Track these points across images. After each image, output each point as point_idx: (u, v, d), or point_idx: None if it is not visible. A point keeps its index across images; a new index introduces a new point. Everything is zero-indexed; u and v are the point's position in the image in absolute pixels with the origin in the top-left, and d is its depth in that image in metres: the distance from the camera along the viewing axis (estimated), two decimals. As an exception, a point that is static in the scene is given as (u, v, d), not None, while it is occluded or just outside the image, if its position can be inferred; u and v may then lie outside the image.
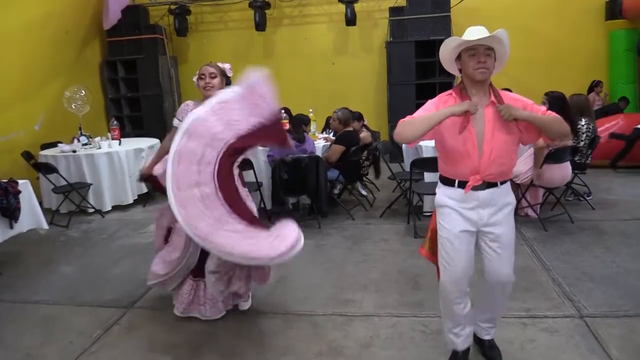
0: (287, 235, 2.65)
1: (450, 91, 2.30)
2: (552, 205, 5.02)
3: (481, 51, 2.15)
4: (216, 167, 2.60)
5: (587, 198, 5.30)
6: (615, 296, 3.17)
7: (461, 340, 2.45)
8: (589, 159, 5.18)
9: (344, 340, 2.84)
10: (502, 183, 2.27)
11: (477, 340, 2.59)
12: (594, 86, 7.86)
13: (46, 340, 2.98)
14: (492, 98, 2.21)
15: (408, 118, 2.23)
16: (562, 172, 4.54)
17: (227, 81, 3.11)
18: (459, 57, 2.24)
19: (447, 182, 2.32)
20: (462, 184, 2.24)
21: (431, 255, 2.55)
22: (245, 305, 3.21)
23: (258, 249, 2.55)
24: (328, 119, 6.76)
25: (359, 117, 5.90)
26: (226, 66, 3.12)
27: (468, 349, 2.49)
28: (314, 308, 3.23)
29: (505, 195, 2.31)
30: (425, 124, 2.15)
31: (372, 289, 3.49)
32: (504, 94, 2.25)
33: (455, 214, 2.29)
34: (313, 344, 2.82)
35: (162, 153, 3.14)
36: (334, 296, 3.39)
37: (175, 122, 3.10)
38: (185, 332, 3.00)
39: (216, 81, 3.02)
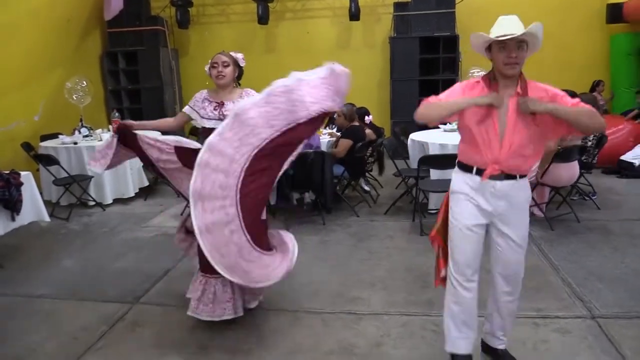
0: (287, 253, 2.75)
1: (479, 78, 2.26)
2: (557, 204, 4.99)
3: (512, 45, 2.09)
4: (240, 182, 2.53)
5: (593, 198, 5.28)
6: (626, 297, 3.15)
7: (462, 342, 2.36)
8: (595, 158, 5.16)
9: (354, 338, 2.80)
10: (521, 177, 2.22)
11: (490, 349, 2.53)
12: (595, 86, 7.84)
13: (50, 336, 2.93)
14: (519, 89, 2.14)
15: (433, 99, 2.22)
16: (570, 171, 4.52)
17: (239, 71, 3.06)
18: (489, 48, 2.18)
19: (465, 168, 2.28)
20: (480, 172, 2.20)
21: (442, 241, 2.48)
22: (253, 303, 3.16)
23: (267, 276, 2.63)
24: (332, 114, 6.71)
25: (365, 112, 5.84)
26: (239, 56, 3.06)
27: (469, 356, 2.38)
28: (322, 306, 3.19)
29: (523, 190, 2.26)
30: (448, 109, 2.17)
31: (379, 286, 3.45)
32: (533, 85, 2.18)
33: (468, 202, 2.26)
34: (322, 342, 2.78)
35: (158, 125, 3.20)
36: (341, 294, 3.35)
37: (187, 109, 3.06)
38: (192, 329, 2.95)
39: (228, 70, 2.96)
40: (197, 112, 3.01)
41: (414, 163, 5.15)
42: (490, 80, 2.21)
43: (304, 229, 4.70)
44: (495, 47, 2.13)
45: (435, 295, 3.25)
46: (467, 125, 2.21)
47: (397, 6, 8.23)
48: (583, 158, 4.91)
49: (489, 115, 2.14)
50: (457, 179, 2.32)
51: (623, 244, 4.07)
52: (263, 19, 8.50)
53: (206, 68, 3.03)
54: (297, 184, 4.78)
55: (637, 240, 4.15)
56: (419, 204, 4.77)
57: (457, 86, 2.29)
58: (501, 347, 2.49)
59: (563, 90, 2.21)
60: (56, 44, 7.11)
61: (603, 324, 2.83)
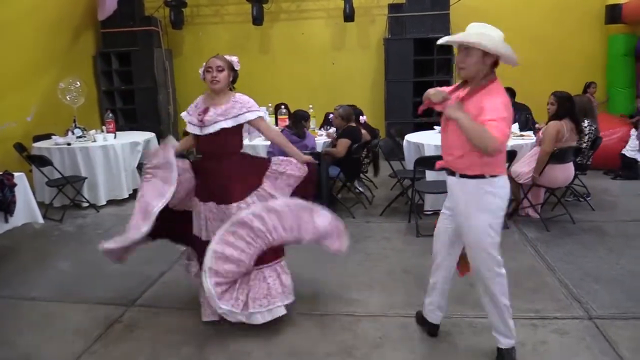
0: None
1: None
2: (552, 205, 5.02)
3: (462, 50, 2.28)
4: None
5: (587, 199, 5.31)
6: (622, 298, 3.16)
7: (428, 310, 2.73)
8: (590, 160, 5.19)
9: (353, 340, 2.79)
10: (461, 176, 2.34)
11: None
12: (587, 87, 7.89)
13: (45, 339, 2.90)
14: (462, 92, 2.36)
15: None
16: (565, 172, 4.54)
17: (234, 75, 3.00)
18: None
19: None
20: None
21: None
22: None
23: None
24: (326, 115, 6.71)
25: (359, 113, 5.84)
26: (234, 59, 2.99)
27: (435, 326, 2.75)
28: (320, 307, 3.18)
29: (468, 190, 2.33)
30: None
31: (377, 288, 3.45)
32: (487, 92, 2.24)
33: (445, 198, 2.56)
34: (321, 344, 2.77)
35: (185, 147, 3.17)
36: (339, 296, 3.34)
37: (184, 114, 3.04)
38: (189, 332, 2.93)
39: (223, 75, 2.89)
40: (189, 116, 3.00)
41: (409, 164, 5.16)
42: (461, 84, 2.42)
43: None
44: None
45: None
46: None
47: (392, 7, 8.24)
48: (578, 159, 4.93)
49: (444, 115, 2.34)
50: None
51: (618, 245, 4.10)
52: (257, 19, 8.47)
53: (200, 71, 2.96)
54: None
55: (632, 242, 4.18)
56: (414, 205, 4.77)
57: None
58: (497, 345, 2.51)
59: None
60: (49, 44, 7.04)
61: (600, 325, 2.84)
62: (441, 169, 2.49)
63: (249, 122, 2.95)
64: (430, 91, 2.36)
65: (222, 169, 2.90)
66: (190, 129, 2.95)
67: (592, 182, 5.87)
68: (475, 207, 2.32)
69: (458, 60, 2.30)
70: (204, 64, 2.95)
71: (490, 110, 2.15)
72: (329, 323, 2.99)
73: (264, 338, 2.83)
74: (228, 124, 2.87)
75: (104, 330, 2.97)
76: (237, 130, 2.94)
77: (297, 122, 5.04)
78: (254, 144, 4.77)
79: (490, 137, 2.08)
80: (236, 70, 3.01)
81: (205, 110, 2.89)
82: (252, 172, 2.96)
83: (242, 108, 2.91)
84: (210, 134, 2.85)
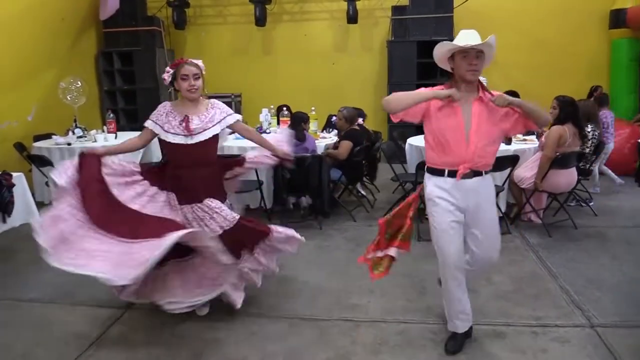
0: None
1: (441, 86, 2.51)
2: (554, 210, 4.97)
3: (473, 54, 2.37)
4: None
5: (590, 204, 5.27)
6: (625, 306, 3.12)
7: (461, 322, 2.66)
8: (593, 165, 5.15)
9: (352, 346, 2.76)
10: (486, 173, 2.52)
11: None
12: (593, 91, 7.83)
13: (41, 342, 2.87)
14: (481, 94, 2.43)
15: (400, 92, 2.45)
16: (568, 177, 4.50)
17: (203, 80, 2.93)
18: (452, 57, 2.45)
19: (437, 172, 2.52)
20: (451, 173, 2.46)
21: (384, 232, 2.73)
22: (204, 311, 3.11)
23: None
24: (329, 117, 6.68)
25: (359, 114, 5.79)
26: (200, 62, 2.90)
27: (468, 331, 2.71)
28: (319, 312, 3.15)
29: (489, 184, 2.56)
30: (410, 99, 2.42)
31: (377, 293, 3.41)
32: (484, 89, 2.47)
33: (446, 204, 2.49)
34: (319, 350, 2.73)
35: (123, 148, 3.03)
36: (339, 300, 3.31)
37: (149, 123, 2.92)
38: (186, 336, 2.90)
39: (200, 82, 2.84)
40: (160, 126, 2.88)
41: (411, 167, 5.12)
42: (451, 86, 2.48)
43: (300, 233, 4.59)
44: (458, 56, 2.40)
45: (434, 302, 3.23)
46: (435, 129, 2.46)
47: (395, 10, 8.21)
48: (581, 164, 4.89)
49: (455, 118, 2.40)
50: (431, 184, 2.54)
51: (621, 252, 4.06)
52: (260, 20, 8.45)
53: (165, 76, 2.84)
54: (294, 187, 4.73)
55: (634, 248, 4.14)
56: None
57: (422, 88, 2.61)
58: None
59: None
60: (50, 43, 7.03)
61: (602, 333, 2.80)
62: (463, 176, 2.45)
63: (230, 126, 2.97)
64: (450, 91, 2.38)
65: (203, 176, 2.90)
66: (172, 139, 2.85)
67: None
68: (492, 200, 2.58)
69: (473, 64, 2.37)
70: (170, 69, 2.85)
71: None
72: (329, 328, 2.96)
73: (260, 343, 2.81)
74: (216, 130, 2.88)
75: (101, 333, 2.95)
76: (217, 137, 2.95)
77: (297, 125, 5.01)
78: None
79: (545, 111, 2.46)
80: (204, 74, 2.95)
81: (186, 119, 2.84)
82: (221, 183, 3.07)
83: (222, 113, 2.94)
84: (200, 142, 2.84)
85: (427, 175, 2.58)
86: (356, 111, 5.37)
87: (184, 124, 2.83)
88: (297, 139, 4.82)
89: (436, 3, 7.94)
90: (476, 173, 2.46)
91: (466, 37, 2.39)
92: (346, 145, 5.01)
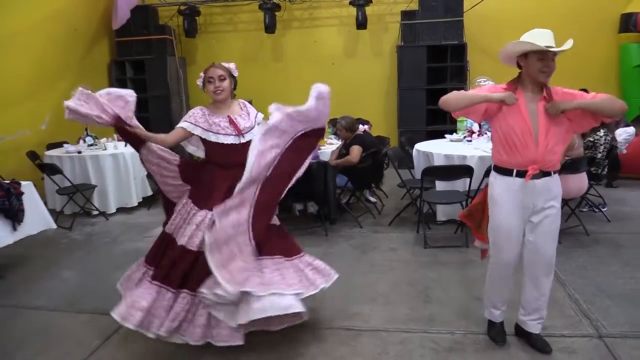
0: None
1: (504, 84, 2.50)
2: (566, 216, 4.85)
3: (550, 56, 2.36)
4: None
5: (603, 210, 5.15)
6: (636, 315, 3.03)
7: (499, 313, 2.74)
8: (605, 169, 5.04)
9: (351, 356, 2.72)
10: (554, 172, 2.48)
11: (524, 332, 2.74)
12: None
13: (44, 350, 2.89)
14: (545, 94, 2.40)
15: (457, 92, 2.51)
16: (579, 182, 4.40)
17: (234, 81, 2.98)
18: (524, 55, 2.41)
19: (505, 172, 2.49)
20: (520, 173, 2.43)
21: (475, 229, 2.88)
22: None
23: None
24: (333, 122, 6.66)
25: (360, 123, 5.75)
26: (231, 65, 2.96)
27: (502, 323, 2.78)
28: (319, 320, 3.11)
29: (557, 183, 2.52)
30: (468, 100, 2.45)
31: (380, 301, 3.37)
32: (556, 90, 2.43)
33: (511, 205, 2.48)
34: (318, 359, 2.70)
35: (157, 138, 2.83)
36: (340, 309, 3.27)
37: (186, 124, 2.84)
38: (187, 346, 2.87)
39: (226, 84, 2.87)
40: (203, 128, 2.84)
41: (418, 173, 5.07)
42: (514, 84, 2.47)
43: (307, 240, 4.63)
44: (533, 56, 2.37)
45: (437, 310, 3.18)
46: (502, 129, 2.45)
47: (405, 15, 8.18)
48: (592, 169, 4.79)
49: (521, 119, 2.38)
50: (498, 184, 2.53)
51: (634, 259, 3.95)
52: (270, 27, 8.50)
53: (199, 82, 2.92)
54: (299, 194, 4.70)
55: (648, 255, 4.03)
56: (422, 215, 4.68)
57: (484, 87, 2.64)
58: (535, 331, 2.72)
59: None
60: (64, 53, 7.16)
61: (610, 344, 2.72)
62: (533, 176, 2.44)
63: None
64: (503, 95, 2.39)
65: (238, 175, 2.75)
66: (224, 139, 2.84)
67: (607, 192, 5.69)
68: (559, 199, 2.53)
69: (549, 67, 2.36)
70: (202, 74, 2.92)
71: (581, 93, 2.44)
72: (329, 337, 2.92)
73: (258, 351, 2.78)
74: (256, 129, 2.88)
75: (101, 342, 2.96)
76: None
77: None
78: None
79: (617, 99, 2.36)
80: (235, 77, 2.99)
81: (232, 120, 2.87)
82: None
83: (253, 110, 3.03)
84: (248, 141, 2.79)
85: (493, 174, 2.57)
86: (353, 119, 5.35)
87: (231, 125, 2.86)
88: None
89: (445, 7, 7.90)
90: (545, 173, 2.43)
91: (542, 37, 2.35)
92: (357, 149, 5.00)
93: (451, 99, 2.50)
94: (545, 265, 2.56)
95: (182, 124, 2.87)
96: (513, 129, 2.40)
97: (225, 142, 2.86)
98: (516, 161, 2.43)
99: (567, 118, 2.41)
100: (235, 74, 2.97)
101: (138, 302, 2.63)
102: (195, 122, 2.86)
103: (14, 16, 6.10)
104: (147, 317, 2.62)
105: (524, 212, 2.48)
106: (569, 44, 2.34)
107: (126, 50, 8.68)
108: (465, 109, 2.48)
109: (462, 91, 2.51)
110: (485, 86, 2.57)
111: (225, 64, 2.93)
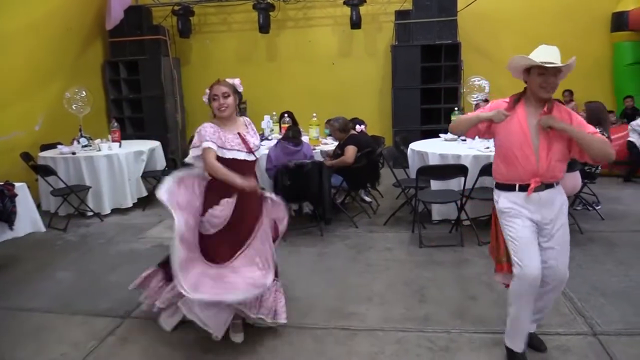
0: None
1: (508, 97, 2.53)
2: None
3: (551, 72, 2.35)
4: None
5: (596, 208, 5.18)
6: (630, 313, 3.05)
7: (524, 342, 2.58)
8: (599, 168, 5.06)
9: (347, 356, 2.72)
10: (557, 183, 2.47)
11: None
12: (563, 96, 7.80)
13: (38, 352, 2.88)
14: (545, 109, 2.40)
15: (459, 117, 2.68)
16: (573, 181, 4.42)
17: (239, 97, 2.94)
18: (527, 70, 2.43)
19: (507, 187, 2.49)
20: (522, 187, 2.42)
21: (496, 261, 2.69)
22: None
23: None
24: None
25: (357, 122, 5.75)
26: (236, 81, 2.93)
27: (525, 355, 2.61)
28: (315, 321, 3.12)
29: (561, 193, 2.51)
30: (466, 123, 2.56)
31: (376, 301, 3.38)
32: (560, 108, 2.44)
33: (521, 217, 2.45)
34: (314, 359, 2.70)
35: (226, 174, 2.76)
36: (336, 308, 3.28)
37: (210, 144, 2.75)
38: (182, 345, 2.88)
39: (230, 100, 2.83)
40: (220, 146, 2.79)
41: (413, 173, 5.08)
42: (515, 100, 2.48)
43: (302, 240, 4.64)
44: (535, 71, 2.38)
45: (433, 310, 3.19)
46: (503, 144, 2.48)
47: (399, 14, 8.19)
48: (586, 167, 4.81)
49: (522, 134, 2.39)
50: (503, 199, 2.50)
51: (628, 257, 3.97)
52: (264, 27, 8.49)
53: (204, 98, 2.88)
54: (294, 195, 4.70)
55: (642, 253, 4.05)
56: (418, 215, 4.68)
57: (489, 104, 2.63)
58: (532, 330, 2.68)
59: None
60: (57, 53, 7.11)
61: (605, 342, 2.74)
62: (535, 189, 2.41)
63: None
64: (490, 114, 2.44)
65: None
66: (238, 155, 2.83)
67: (602, 190, 5.72)
68: (565, 210, 2.51)
69: (549, 82, 2.36)
70: (208, 90, 2.87)
71: (584, 124, 2.41)
72: (325, 337, 2.92)
73: (255, 352, 2.78)
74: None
75: (97, 343, 2.94)
76: None
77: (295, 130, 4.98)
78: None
79: (610, 147, 2.36)
80: (240, 92, 2.95)
81: (241, 137, 2.87)
82: None
83: (254, 127, 3.06)
84: (256, 159, 2.94)
85: (496, 192, 2.55)
86: (346, 119, 5.34)
87: (242, 142, 2.86)
88: (294, 144, 4.78)
89: (440, 7, 7.91)
90: (547, 185, 2.42)
91: (545, 54, 2.37)
92: (351, 150, 5.00)
93: (456, 124, 2.63)
94: (559, 282, 2.53)
95: (207, 144, 2.76)
96: (513, 142, 2.41)
97: (239, 158, 2.85)
98: (517, 174, 2.42)
99: (567, 137, 2.38)
100: (240, 89, 2.93)
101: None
102: (217, 140, 2.79)
103: (7, 16, 6.05)
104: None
105: (534, 224, 2.44)
106: (570, 61, 2.34)
107: (120, 50, 8.64)
108: (470, 130, 2.57)
109: (463, 115, 2.64)
110: (492, 101, 2.59)
111: (230, 80, 2.89)
